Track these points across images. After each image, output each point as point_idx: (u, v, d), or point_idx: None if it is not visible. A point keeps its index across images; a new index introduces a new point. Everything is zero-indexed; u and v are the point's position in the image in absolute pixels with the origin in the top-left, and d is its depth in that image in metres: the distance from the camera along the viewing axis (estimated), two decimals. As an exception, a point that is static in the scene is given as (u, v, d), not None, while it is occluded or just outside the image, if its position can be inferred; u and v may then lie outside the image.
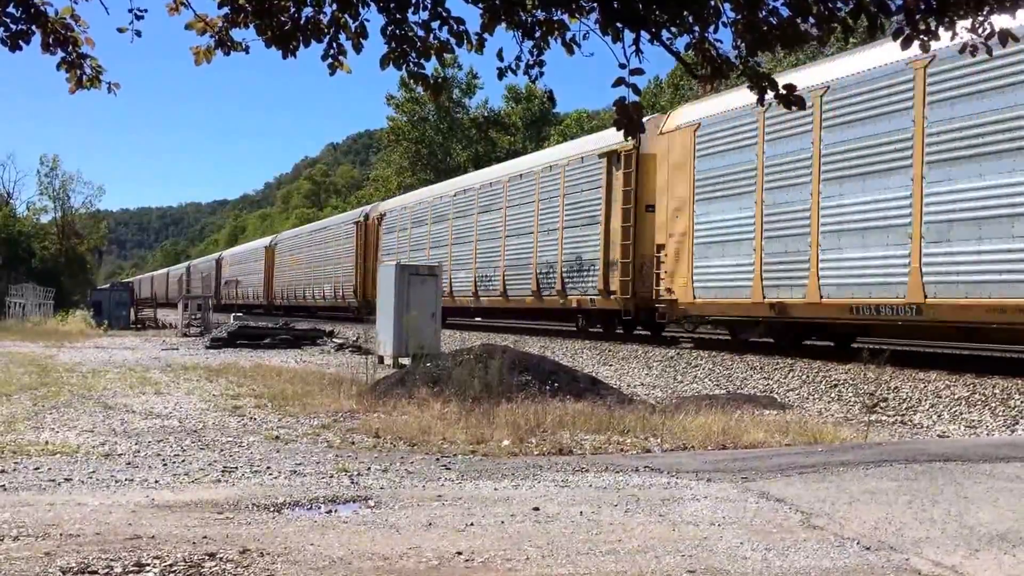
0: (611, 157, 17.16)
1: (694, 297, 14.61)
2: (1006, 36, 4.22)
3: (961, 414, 8.68)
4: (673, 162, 15.25)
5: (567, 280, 18.51)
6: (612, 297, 16.90)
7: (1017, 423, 8.14)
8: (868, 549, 3.70)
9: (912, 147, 10.98)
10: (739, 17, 4.08)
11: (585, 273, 17.85)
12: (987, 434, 7.88)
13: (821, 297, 12.07)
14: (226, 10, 4.25)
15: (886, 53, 11.00)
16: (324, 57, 4.29)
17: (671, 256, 15.18)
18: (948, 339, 13.12)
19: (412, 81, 4.41)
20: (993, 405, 8.78)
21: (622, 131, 4.18)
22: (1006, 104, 10.00)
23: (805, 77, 12.21)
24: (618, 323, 17.78)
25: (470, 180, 25.98)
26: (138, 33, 4.35)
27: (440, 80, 4.88)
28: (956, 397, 9.24)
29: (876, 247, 11.38)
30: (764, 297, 13.02)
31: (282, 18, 4.23)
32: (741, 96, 12.99)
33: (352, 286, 31.90)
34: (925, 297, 10.70)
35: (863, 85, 11.77)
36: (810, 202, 12.29)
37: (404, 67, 4.28)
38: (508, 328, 23.26)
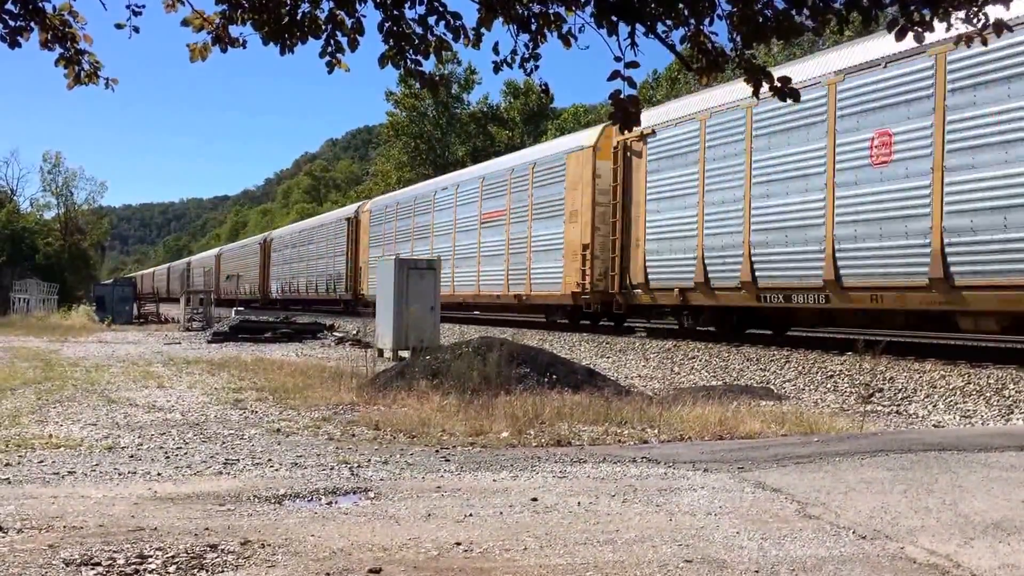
0: (348, 221, 33.92)
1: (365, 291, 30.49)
2: (1001, 27, 4.24)
3: (956, 404, 8.71)
4: (363, 227, 32.04)
5: (336, 284, 34.87)
6: (348, 292, 33.25)
7: (1012, 412, 8.18)
8: (864, 538, 3.73)
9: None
10: (734, 9, 4.10)
11: (340, 281, 34.36)
12: (982, 424, 7.92)
13: (454, 291, 23.07)
14: (223, 6, 4.25)
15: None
16: (322, 55, 4.29)
17: (363, 274, 31.32)
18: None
19: (410, 78, 4.42)
20: (988, 395, 8.80)
21: (618, 124, 4.18)
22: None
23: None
24: (353, 307, 32.42)
25: (306, 224, 44.39)
26: (136, 29, 4.35)
27: (438, 77, 4.91)
28: (951, 387, 9.26)
29: (468, 271, 23.30)
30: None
31: (280, 13, 4.23)
32: (393, 196, 31.86)
33: (259, 285, 48.19)
34: (517, 295, 21.24)
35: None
36: (452, 243, 24.39)
37: (402, 65, 4.29)
38: (504, 321, 24.55)
